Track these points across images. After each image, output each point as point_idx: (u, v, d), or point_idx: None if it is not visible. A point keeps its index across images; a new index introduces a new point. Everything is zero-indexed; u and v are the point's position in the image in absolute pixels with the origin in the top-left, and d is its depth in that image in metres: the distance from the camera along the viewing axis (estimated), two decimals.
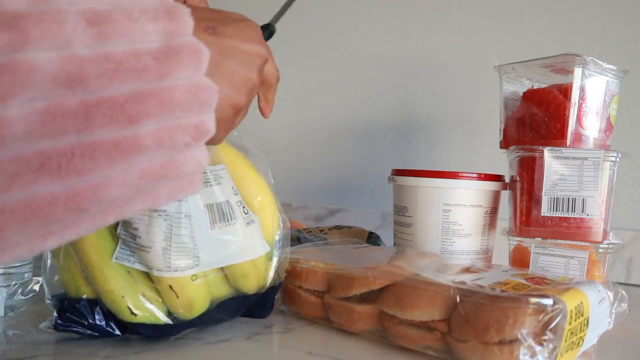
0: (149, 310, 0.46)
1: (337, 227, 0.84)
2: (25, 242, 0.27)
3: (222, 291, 0.49)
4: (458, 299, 0.42)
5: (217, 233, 0.46)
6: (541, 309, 0.39)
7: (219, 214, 0.47)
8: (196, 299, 0.47)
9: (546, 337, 0.39)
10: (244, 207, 0.49)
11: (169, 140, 0.30)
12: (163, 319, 0.46)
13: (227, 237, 0.47)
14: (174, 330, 0.47)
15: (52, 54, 0.25)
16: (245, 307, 0.52)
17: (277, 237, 0.53)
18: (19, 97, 0.24)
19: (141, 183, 0.29)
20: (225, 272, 0.49)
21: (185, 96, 0.29)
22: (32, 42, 0.24)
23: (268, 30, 0.49)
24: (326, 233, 0.80)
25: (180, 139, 0.30)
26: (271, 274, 0.52)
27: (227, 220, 0.47)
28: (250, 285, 0.50)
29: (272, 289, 0.53)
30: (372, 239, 0.81)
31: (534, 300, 0.39)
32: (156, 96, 0.28)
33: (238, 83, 0.36)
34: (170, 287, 0.45)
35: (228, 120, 0.36)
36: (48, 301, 0.48)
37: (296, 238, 0.76)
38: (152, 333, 0.46)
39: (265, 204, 0.52)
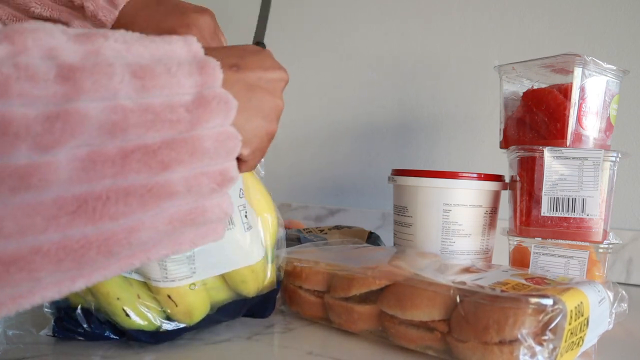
0: (145, 315, 0.46)
1: (337, 227, 0.84)
2: (55, 284, 0.28)
3: (222, 295, 0.49)
4: (458, 299, 0.42)
5: None
6: (541, 309, 0.39)
7: None
8: (195, 305, 0.47)
9: (546, 337, 0.39)
10: (245, 212, 0.49)
11: (197, 186, 0.31)
12: (159, 323, 0.46)
13: (225, 244, 0.46)
14: (172, 335, 0.47)
15: (101, 104, 0.27)
16: (245, 308, 0.52)
17: (275, 239, 0.52)
18: (68, 144, 0.26)
19: (169, 228, 0.31)
20: (224, 277, 0.49)
21: (214, 144, 0.31)
22: (84, 92, 0.26)
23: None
24: (326, 233, 0.80)
25: (207, 185, 0.32)
26: (269, 275, 0.52)
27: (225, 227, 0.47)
28: (250, 289, 0.50)
29: (273, 290, 0.53)
30: (372, 239, 0.81)
31: (534, 300, 0.39)
32: (187, 144, 0.30)
33: (268, 111, 0.38)
34: (169, 296, 0.45)
35: (264, 148, 0.39)
36: (46, 309, 0.48)
37: (296, 238, 0.76)
38: (151, 340, 0.46)
39: (263, 205, 0.52)
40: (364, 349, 0.48)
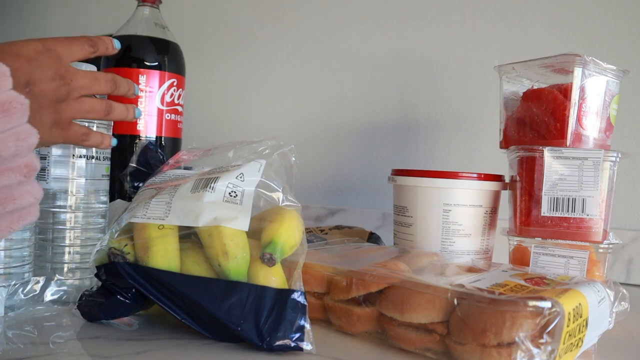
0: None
1: (338, 227, 0.83)
2: None
3: (197, 263, 0.50)
4: (456, 302, 0.42)
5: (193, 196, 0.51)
6: (539, 312, 0.39)
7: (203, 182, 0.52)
8: (155, 244, 0.49)
9: (544, 340, 0.39)
10: (232, 190, 0.51)
11: (6, 180, 0.36)
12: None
13: (196, 201, 0.50)
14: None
15: None
16: (234, 303, 0.47)
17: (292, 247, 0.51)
18: None
19: None
20: (205, 247, 0.50)
21: (15, 144, 0.36)
22: None
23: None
24: (326, 233, 0.80)
25: (15, 178, 0.37)
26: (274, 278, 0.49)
27: (204, 189, 0.51)
28: (230, 267, 0.48)
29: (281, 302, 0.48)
30: (373, 239, 0.80)
31: (531, 303, 0.39)
32: None
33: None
34: (136, 230, 0.50)
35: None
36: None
37: None
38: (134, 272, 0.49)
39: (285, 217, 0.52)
40: (364, 349, 0.48)
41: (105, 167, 0.62)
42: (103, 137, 0.52)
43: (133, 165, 0.63)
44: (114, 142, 0.55)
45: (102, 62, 0.89)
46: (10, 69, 0.36)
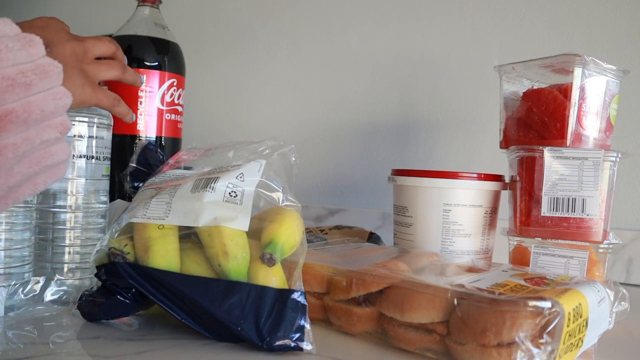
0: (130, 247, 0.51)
1: (338, 227, 0.83)
2: None
3: (197, 263, 0.50)
4: (456, 302, 0.42)
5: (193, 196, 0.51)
6: (539, 312, 0.39)
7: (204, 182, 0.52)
8: (155, 244, 0.49)
9: (544, 340, 0.39)
10: (232, 190, 0.51)
11: (47, 135, 0.40)
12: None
13: (196, 201, 0.50)
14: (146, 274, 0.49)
15: None
16: (235, 302, 0.47)
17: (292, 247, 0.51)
18: None
19: (30, 171, 0.40)
20: (205, 248, 0.49)
21: (54, 102, 0.40)
22: None
23: None
24: (326, 233, 0.80)
25: (53, 134, 0.41)
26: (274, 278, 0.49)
27: (204, 189, 0.51)
28: (230, 267, 0.48)
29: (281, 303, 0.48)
30: (373, 239, 0.80)
31: (531, 303, 0.39)
32: (35, 104, 0.39)
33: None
34: (137, 230, 0.50)
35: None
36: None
37: None
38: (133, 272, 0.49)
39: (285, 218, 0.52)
40: (364, 349, 0.48)
41: (105, 167, 0.62)
42: (129, 109, 0.60)
43: (133, 165, 0.63)
44: (134, 117, 0.62)
45: None
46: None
